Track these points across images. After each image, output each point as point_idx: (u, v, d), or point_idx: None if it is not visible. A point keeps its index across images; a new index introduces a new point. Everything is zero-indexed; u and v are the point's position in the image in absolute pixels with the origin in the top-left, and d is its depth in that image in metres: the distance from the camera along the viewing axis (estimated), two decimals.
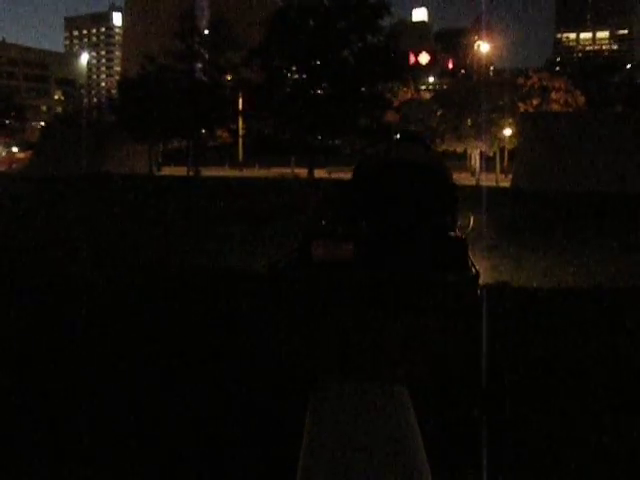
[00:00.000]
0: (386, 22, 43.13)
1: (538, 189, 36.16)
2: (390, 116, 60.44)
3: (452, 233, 5.05)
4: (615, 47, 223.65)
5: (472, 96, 48.60)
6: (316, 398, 3.24)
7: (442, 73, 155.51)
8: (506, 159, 54.82)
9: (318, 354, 3.91)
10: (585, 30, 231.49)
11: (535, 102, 57.61)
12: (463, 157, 58.95)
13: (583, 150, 38.82)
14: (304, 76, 29.73)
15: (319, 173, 67.10)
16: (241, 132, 72.39)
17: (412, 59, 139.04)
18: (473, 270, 4.56)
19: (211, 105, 45.72)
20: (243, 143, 75.69)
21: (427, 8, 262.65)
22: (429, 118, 54.97)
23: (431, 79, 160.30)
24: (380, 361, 3.65)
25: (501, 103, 47.97)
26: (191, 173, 53.00)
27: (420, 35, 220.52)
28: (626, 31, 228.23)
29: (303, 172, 66.97)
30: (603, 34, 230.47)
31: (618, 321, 7.54)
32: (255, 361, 5.35)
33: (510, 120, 47.42)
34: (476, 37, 63.09)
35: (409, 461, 2.72)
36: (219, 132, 69.55)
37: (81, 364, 5.96)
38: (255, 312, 6.87)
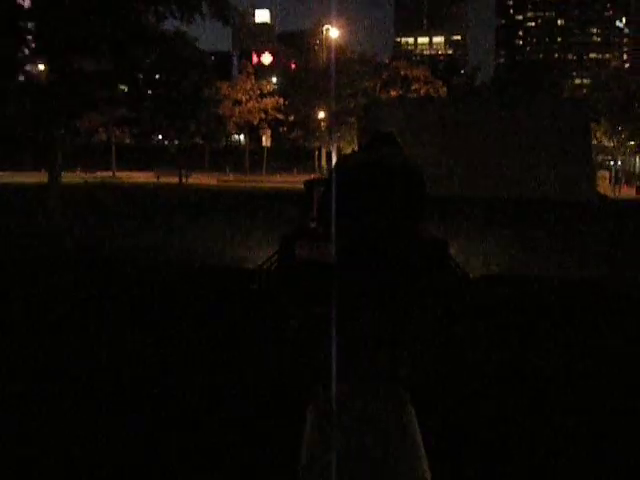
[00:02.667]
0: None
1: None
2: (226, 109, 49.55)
3: (434, 234, 5.65)
4: (450, 52, 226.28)
5: (325, 80, 37.96)
6: (316, 398, 3.18)
7: (285, 74, 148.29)
8: None
9: (310, 352, 4.27)
10: (422, 35, 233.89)
11: (394, 93, 48.37)
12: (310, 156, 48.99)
13: (465, 147, 29.28)
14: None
15: (147, 177, 56.04)
16: None
17: (255, 59, 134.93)
18: (458, 270, 5.31)
19: None
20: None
21: (269, 10, 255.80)
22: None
23: (274, 79, 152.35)
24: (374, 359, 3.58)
25: (364, 85, 37.62)
26: None
27: (263, 36, 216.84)
28: (459, 37, 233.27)
29: (125, 175, 56.36)
30: (439, 39, 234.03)
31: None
32: (250, 361, 5.25)
33: None
34: (322, 30, 53.52)
35: (409, 461, 2.65)
36: None
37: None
38: (244, 311, 6.78)
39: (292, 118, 45.50)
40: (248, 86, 55.75)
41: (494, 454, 3.94)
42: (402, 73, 51.75)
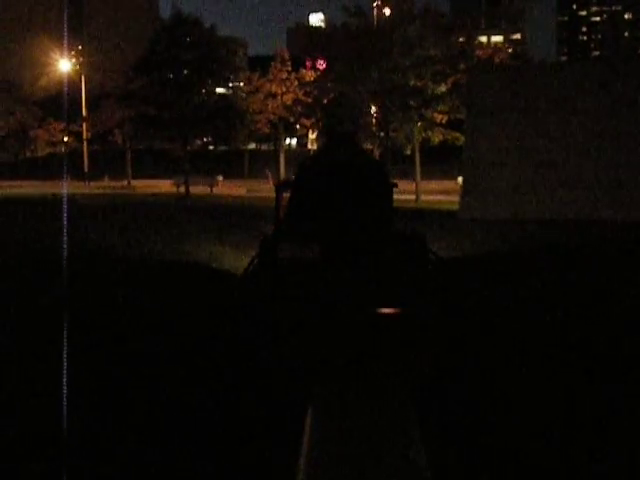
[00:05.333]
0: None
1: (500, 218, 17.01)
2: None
3: (412, 230, 5.78)
4: (510, 51, 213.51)
5: (378, 42, 26.52)
6: (317, 398, 3.19)
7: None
8: (418, 161, 33.61)
9: (304, 353, 4.14)
10: (480, 34, 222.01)
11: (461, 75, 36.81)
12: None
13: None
14: None
15: (165, 185, 47.17)
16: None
17: (308, 65, 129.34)
18: (434, 258, 5.62)
19: None
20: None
21: (323, 13, 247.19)
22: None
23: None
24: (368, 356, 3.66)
25: (428, 54, 26.00)
26: None
27: (317, 40, 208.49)
28: (519, 36, 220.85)
29: (142, 184, 48.49)
30: (498, 38, 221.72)
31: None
32: (248, 361, 5.12)
33: (442, 89, 26.12)
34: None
35: (409, 460, 2.62)
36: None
37: None
38: (232, 313, 6.70)
39: (327, 99, 34.60)
40: (284, 76, 45.20)
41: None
42: (476, 53, 40.41)
